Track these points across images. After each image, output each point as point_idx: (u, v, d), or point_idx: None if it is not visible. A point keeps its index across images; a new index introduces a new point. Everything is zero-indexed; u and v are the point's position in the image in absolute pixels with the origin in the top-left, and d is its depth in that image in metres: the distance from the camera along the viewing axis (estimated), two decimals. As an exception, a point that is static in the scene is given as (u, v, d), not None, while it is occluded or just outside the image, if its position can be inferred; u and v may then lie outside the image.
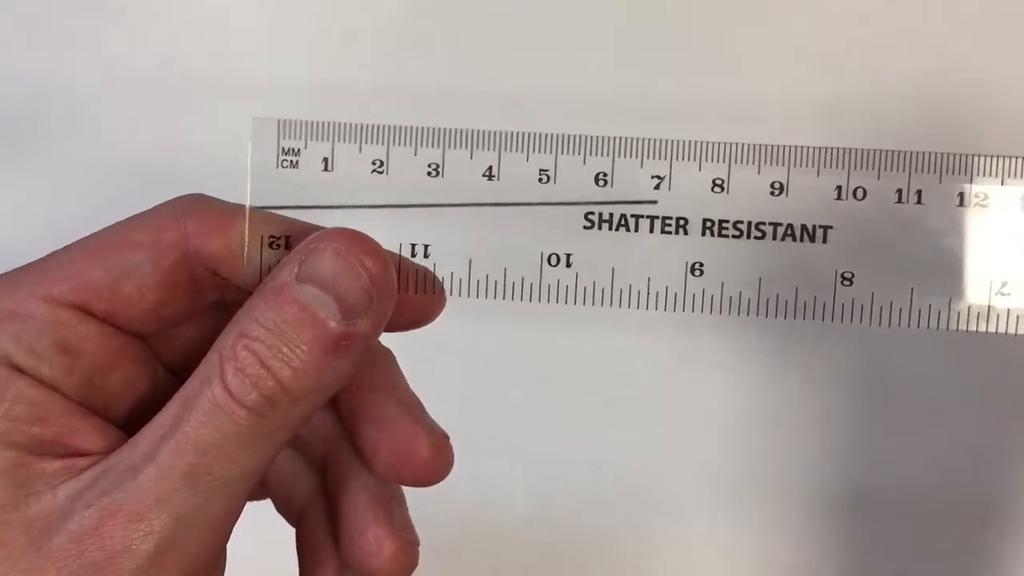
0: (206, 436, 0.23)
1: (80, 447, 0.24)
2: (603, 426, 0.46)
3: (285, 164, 0.26)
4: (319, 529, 0.28)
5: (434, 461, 0.26)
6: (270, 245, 0.26)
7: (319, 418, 0.28)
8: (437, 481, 0.26)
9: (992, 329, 0.25)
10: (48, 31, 0.44)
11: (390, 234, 0.26)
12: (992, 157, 0.25)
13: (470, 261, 0.26)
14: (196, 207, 0.26)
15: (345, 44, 0.43)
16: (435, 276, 0.26)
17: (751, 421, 0.46)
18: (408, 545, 0.27)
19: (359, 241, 0.24)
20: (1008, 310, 0.25)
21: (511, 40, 0.42)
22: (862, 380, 0.45)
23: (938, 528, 0.46)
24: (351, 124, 0.26)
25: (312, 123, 0.26)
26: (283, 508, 0.29)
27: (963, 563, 0.46)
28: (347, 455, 0.28)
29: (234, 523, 0.24)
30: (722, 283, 0.26)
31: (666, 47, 0.41)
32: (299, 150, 0.26)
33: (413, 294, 0.26)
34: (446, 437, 0.27)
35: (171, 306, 0.26)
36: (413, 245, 0.26)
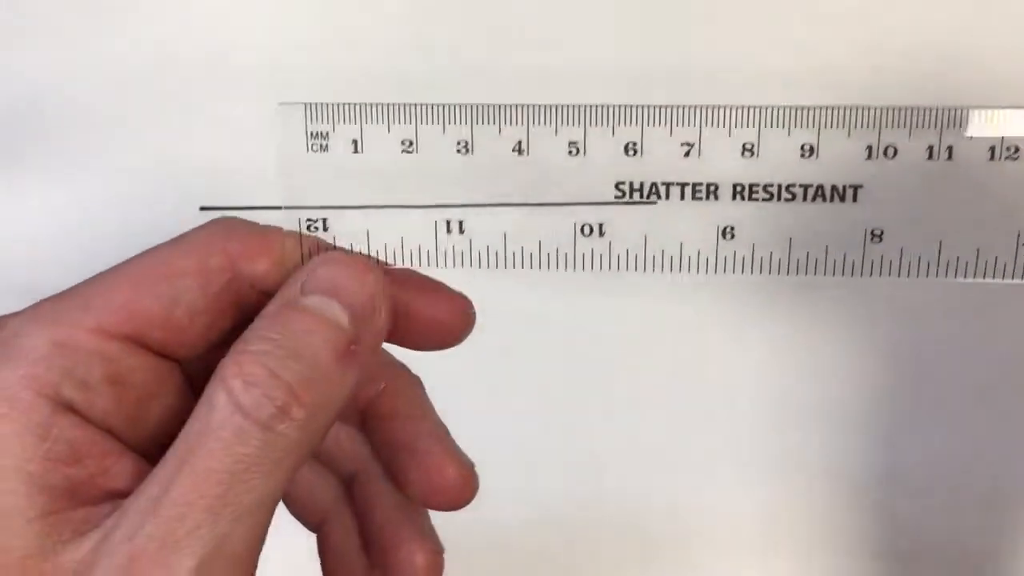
0: (219, 464, 0.22)
1: (112, 488, 0.24)
2: (604, 426, 0.46)
3: (315, 148, 0.26)
4: (346, 538, 0.29)
5: (462, 490, 0.27)
6: (308, 228, 0.26)
7: (347, 436, 0.29)
8: (462, 507, 0.28)
9: (1018, 280, 0.26)
10: (48, 31, 0.42)
11: (425, 213, 0.26)
12: (1022, 110, 0.25)
13: (505, 234, 0.26)
14: (238, 229, 0.26)
15: (350, 42, 0.42)
16: (466, 297, 0.27)
17: (753, 421, 0.46)
18: (437, 556, 0.28)
19: (359, 256, 0.25)
20: (1035, 260, 0.25)
21: (520, 14, 0.40)
22: (875, 368, 0.45)
23: (950, 512, 0.46)
24: (378, 105, 0.26)
25: (339, 105, 0.26)
26: (300, 513, 0.30)
27: (973, 546, 0.47)
28: (377, 473, 0.29)
29: (260, 551, 0.24)
30: (753, 245, 0.26)
31: (668, 17, 0.39)
32: (327, 133, 0.26)
33: (442, 314, 0.27)
34: (472, 466, 0.28)
35: (218, 329, 0.26)
36: (448, 221, 0.26)
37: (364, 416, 0.29)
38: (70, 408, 0.24)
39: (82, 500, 0.23)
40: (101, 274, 0.25)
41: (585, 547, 0.48)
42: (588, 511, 0.48)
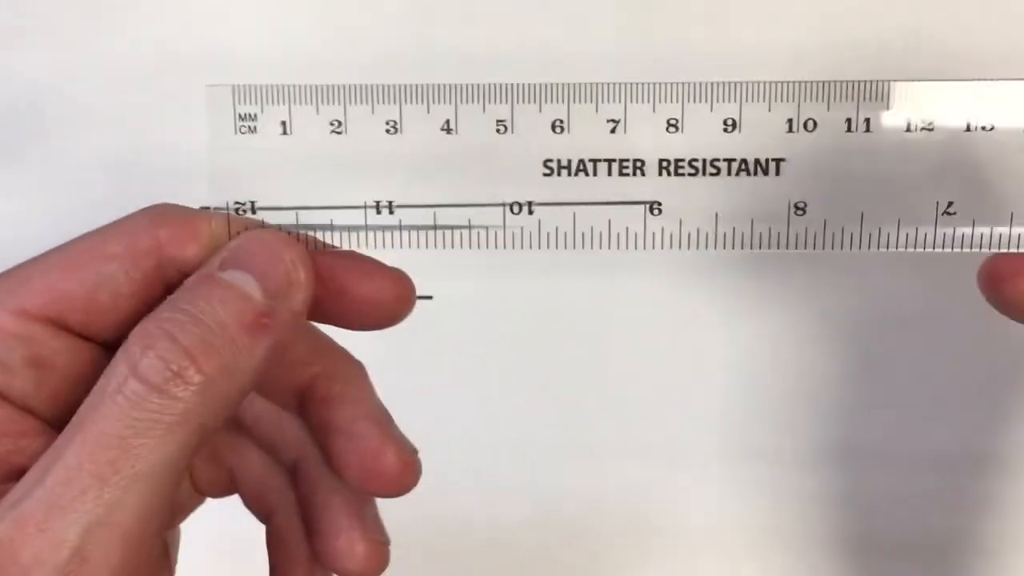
0: (111, 429, 0.22)
1: (27, 466, 0.23)
2: (603, 427, 0.46)
3: (243, 130, 0.26)
4: (290, 528, 0.29)
5: (401, 476, 0.27)
6: (236, 211, 0.26)
7: (290, 424, 0.29)
8: (404, 493, 0.27)
9: (939, 248, 0.26)
10: (48, 31, 0.42)
11: (354, 192, 0.26)
12: (936, 83, 0.25)
13: (434, 214, 0.26)
14: (169, 214, 0.26)
15: (350, 42, 0.42)
16: (404, 275, 0.27)
17: (750, 418, 0.47)
18: (379, 546, 0.28)
19: (280, 235, 0.25)
20: (954, 229, 0.26)
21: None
22: (860, 363, 0.46)
23: (937, 488, 0.47)
24: (307, 86, 0.26)
25: (267, 87, 0.26)
26: (252, 505, 0.29)
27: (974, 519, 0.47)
28: (317, 460, 0.28)
29: (157, 527, 0.23)
30: (680, 220, 0.26)
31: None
32: (256, 115, 0.26)
33: (377, 291, 0.26)
34: (414, 452, 0.27)
35: (146, 314, 0.25)
36: (378, 202, 0.26)
37: (301, 401, 0.28)
38: None
39: None
40: (32, 259, 0.25)
41: (585, 546, 0.48)
42: (588, 509, 0.47)
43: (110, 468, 0.22)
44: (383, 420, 0.28)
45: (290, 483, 0.29)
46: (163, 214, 0.26)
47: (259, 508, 0.29)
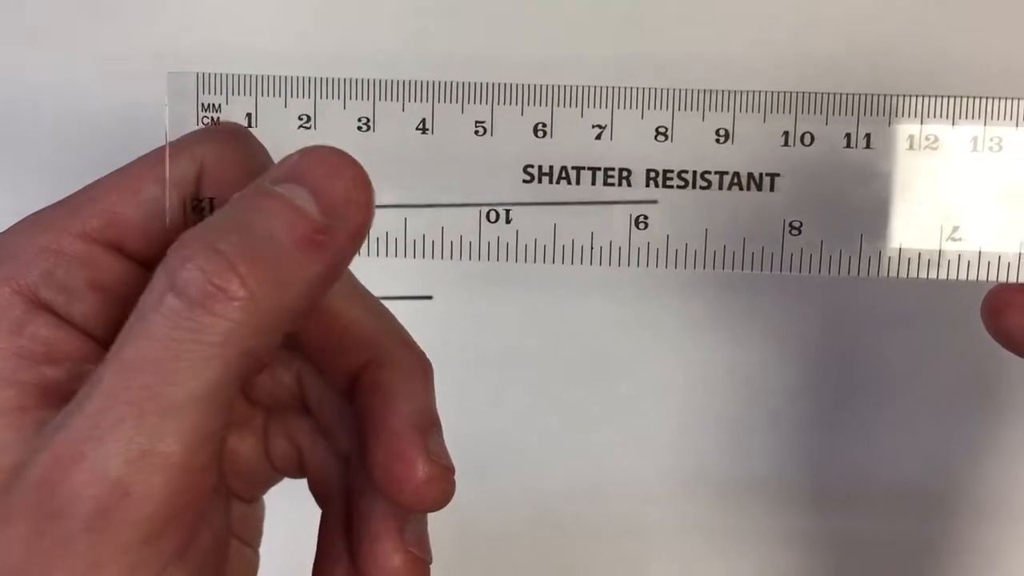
0: (148, 350, 0.20)
1: None
2: (604, 427, 0.45)
3: (206, 121, 0.25)
4: (339, 525, 0.26)
5: (424, 488, 0.24)
6: (193, 209, 0.24)
7: (349, 413, 0.26)
8: (429, 510, 0.25)
9: (943, 276, 0.24)
10: (48, 31, 0.42)
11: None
12: (941, 98, 0.24)
13: (405, 220, 0.25)
14: (217, 138, 0.24)
15: (348, 41, 0.41)
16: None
17: (751, 420, 0.45)
18: (417, 561, 0.25)
19: (341, 152, 0.22)
20: (959, 255, 0.24)
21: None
22: (857, 379, 0.45)
23: (927, 523, 0.45)
24: (275, 77, 0.25)
25: (233, 76, 0.25)
26: (314, 488, 0.28)
27: (957, 559, 0.46)
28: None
29: (209, 458, 0.21)
30: (667, 235, 0.25)
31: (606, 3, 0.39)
32: (220, 106, 0.25)
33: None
34: (448, 468, 0.24)
35: None
36: (345, 204, 0.25)
37: (353, 386, 0.26)
38: (49, 310, 0.23)
39: (55, 401, 0.22)
40: (91, 183, 0.24)
41: (585, 548, 0.45)
42: (588, 511, 0.45)
43: (147, 394, 0.20)
44: (424, 425, 0.25)
45: (345, 473, 0.27)
46: (212, 136, 0.24)
47: (318, 492, 0.27)
